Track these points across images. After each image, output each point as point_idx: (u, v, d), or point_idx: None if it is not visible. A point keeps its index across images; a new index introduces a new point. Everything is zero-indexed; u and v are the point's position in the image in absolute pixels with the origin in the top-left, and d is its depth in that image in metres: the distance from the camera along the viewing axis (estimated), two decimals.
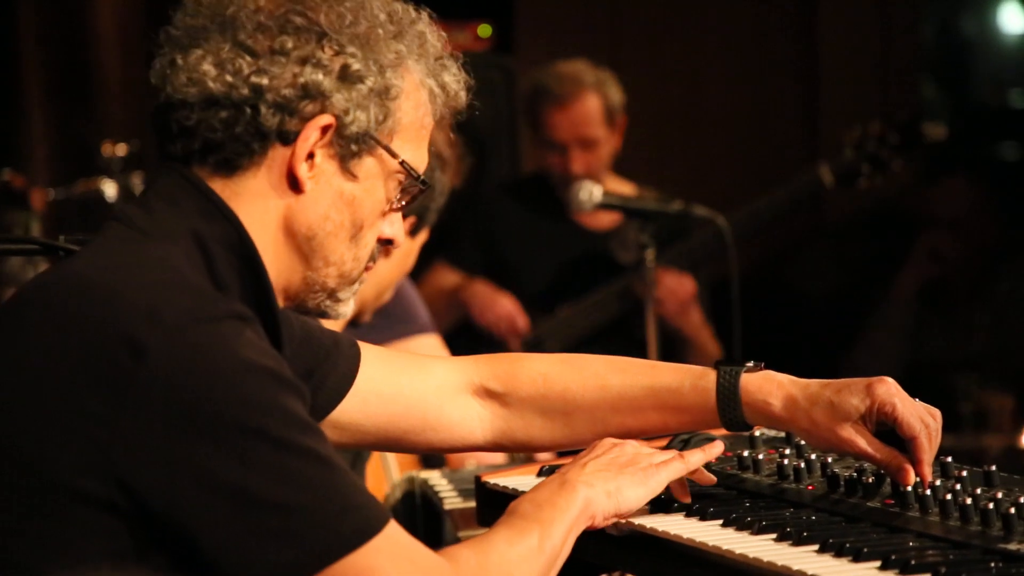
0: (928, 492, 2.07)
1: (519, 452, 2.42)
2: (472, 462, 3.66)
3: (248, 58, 1.94)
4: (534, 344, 5.15)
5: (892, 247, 5.99)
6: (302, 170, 1.97)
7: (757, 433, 2.38)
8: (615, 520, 2.11)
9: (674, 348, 5.16)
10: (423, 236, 3.39)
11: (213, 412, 1.76)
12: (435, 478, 3.35)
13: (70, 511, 1.77)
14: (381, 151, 2.01)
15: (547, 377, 2.37)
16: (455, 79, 2.07)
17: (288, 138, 1.96)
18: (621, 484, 2.10)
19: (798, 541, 1.98)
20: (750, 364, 2.26)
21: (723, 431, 2.30)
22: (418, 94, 2.04)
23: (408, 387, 2.35)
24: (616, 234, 5.24)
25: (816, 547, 1.96)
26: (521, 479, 2.36)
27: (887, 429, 2.14)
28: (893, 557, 1.87)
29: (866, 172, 5.34)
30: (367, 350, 2.34)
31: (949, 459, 2.18)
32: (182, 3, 2.01)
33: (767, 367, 2.27)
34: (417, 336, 3.94)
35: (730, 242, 4.54)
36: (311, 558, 1.77)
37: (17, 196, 5.43)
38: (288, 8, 1.97)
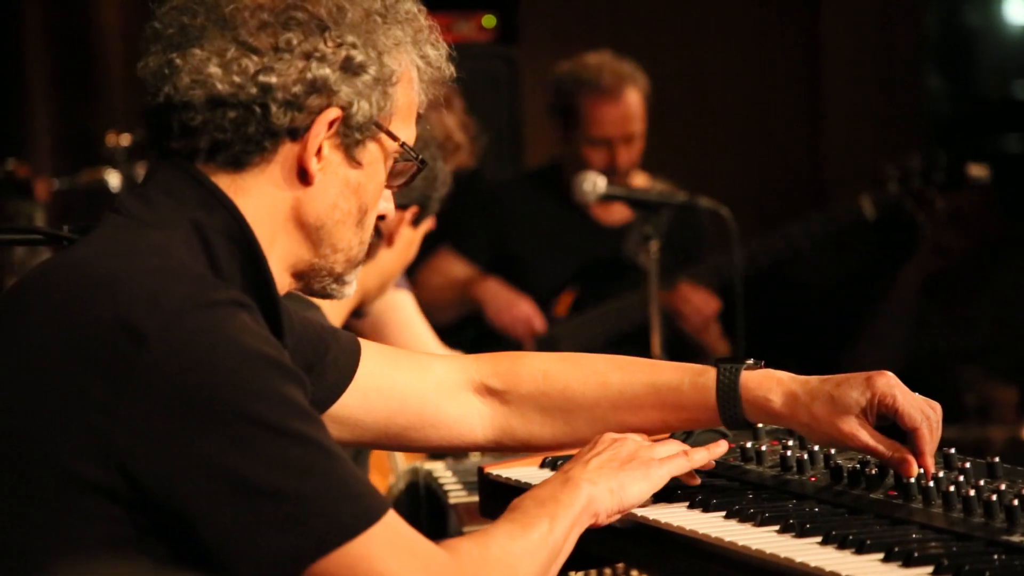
0: (931, 484, 2.06)
1: (519, 450, 2.41)
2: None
3: (254, 57, 1.93)
4: (548, 345, 5.05)
5: (895, 240, 5.99)
6: (312, 164, 1.97)
7: (760, 424, 2.38)
8: (618, 517, 2.11)
9: (685, 358, 5.11)
10: (426, 225, 3.33)
11: (212, 398, 1.76)
12: (439, 469, 3.34)
13: (70, 497, 1.77)
14: (382, 135, 2.01)
15: (547, 374, 2.36)
16: (436, 51, 2.06)
17: (297, 133, 1.96)
18: (624, 481, 2.09)
19: (801, 533, 1.98)
20: (750, 361, 2.26)
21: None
22: (409, 73, 2.04)
23: (408, 383, 2.34)
24: (629, 231, 5.14)
25: (819, 539, 1.95)
26: (524, 470, 2.36)
27: (887, 424, 2.14)
28: (896, 549, 1.86)
29: (908, 207, 5.35)
30: (367, 346, 2.34)
31: (953, 451, 2.17)
32: None
33: (769, 362, 2.26)
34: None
35: (734, 235, 4.51)
36: (309, 545, 1.77)
37: (21, 186, 5.43)
38: (288, 3, 1.95)
